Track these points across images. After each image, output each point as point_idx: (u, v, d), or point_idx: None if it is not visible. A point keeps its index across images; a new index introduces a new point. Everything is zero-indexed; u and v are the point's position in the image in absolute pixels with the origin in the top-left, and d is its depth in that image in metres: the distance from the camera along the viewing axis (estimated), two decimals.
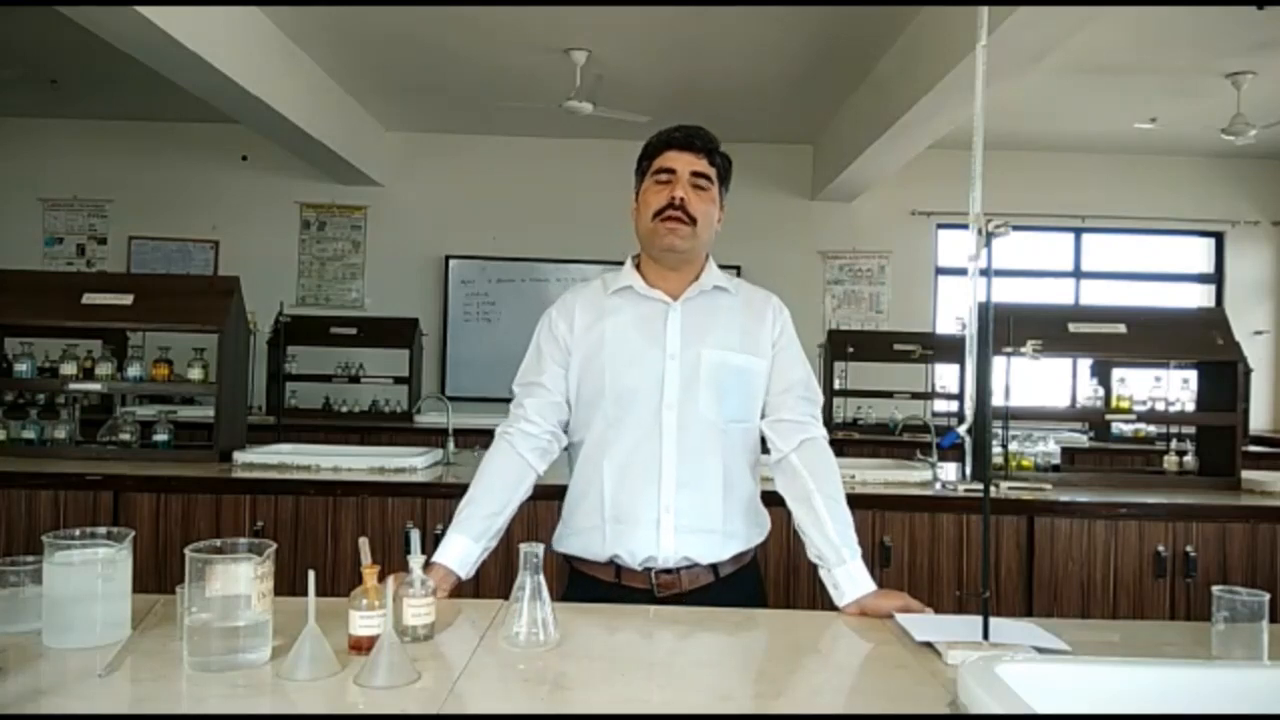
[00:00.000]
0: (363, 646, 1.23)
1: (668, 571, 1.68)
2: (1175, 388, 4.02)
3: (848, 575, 1.63)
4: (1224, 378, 3.37)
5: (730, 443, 1.74)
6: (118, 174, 7.27)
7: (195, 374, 3.39)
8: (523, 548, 1.34)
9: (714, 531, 1.70)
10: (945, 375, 6.34)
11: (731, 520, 1.73)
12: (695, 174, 1.76)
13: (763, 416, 1.79)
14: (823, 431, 1.81)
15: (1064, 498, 2.97)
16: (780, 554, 2.90)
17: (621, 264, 1.84)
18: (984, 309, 1.37)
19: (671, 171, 1.75)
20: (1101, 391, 3.98)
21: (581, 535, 1.74)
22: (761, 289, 1.89)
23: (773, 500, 1.83)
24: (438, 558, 1.64)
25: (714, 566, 1.70)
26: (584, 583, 1.74)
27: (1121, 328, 3.37)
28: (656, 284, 1.78)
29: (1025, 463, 3.39)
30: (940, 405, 6.20)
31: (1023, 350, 3.03)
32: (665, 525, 1.67)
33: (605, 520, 1.70)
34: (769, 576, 2.89)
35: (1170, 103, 6.04)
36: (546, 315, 1.83)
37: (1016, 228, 1.43)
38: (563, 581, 1.78)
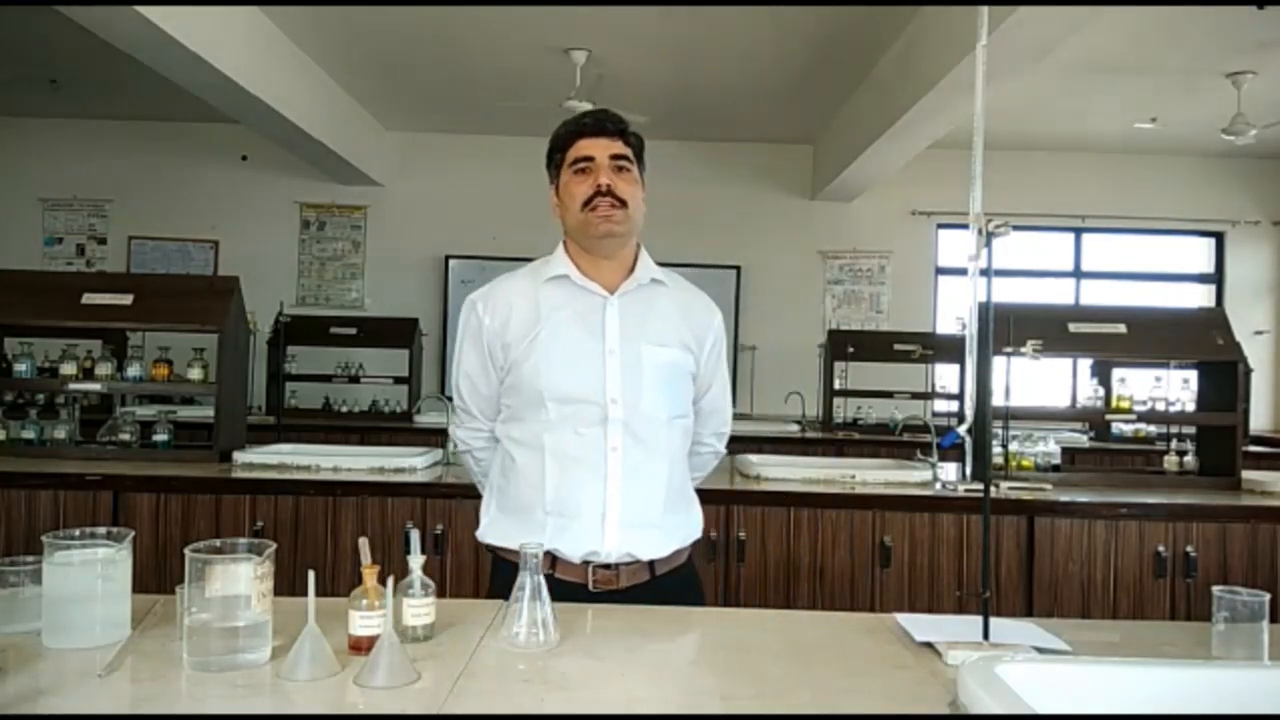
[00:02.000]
0: (363, 646, 1.22)
1: (606, 567, 1.66)
2: (1175, 388, 4.02)
3: None
4: (1224, 378, 3.37)
5: (672, 437, 1.74)
6: (118, 174, 7.27)
7: (195, 374, 3.39)
8: (523, 548, 1.34)
9: (656, 527, 1.70)
10: (945, 375, 6.34)
11: (671, 515, 1.73)
12: (614, 157, 1.72)
13: None
14: (723, 449, 1.97)
15: (1064, 498, 2.97)
16: (780, 554, 2.90)
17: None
18: (984, 309, 1.37)
19: (590, 159, 1.72)
20: (1101, 391, 3.98)
21: (516, 527, 1.70)
22: (701, 292, 1.88)
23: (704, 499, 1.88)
24: None
25: (651, 564, 1.70)
26: (512, 572, 1.69)
27: (1121, 328, 3.37)
28: (591, 275, 1.74)
29: (1025, 463, 3.39)
30: (940, 405, 6.21)
31: (1023, 350, 3.03)
32: (610, 520, 1.66)
33: (546, 514, 1.67)
34: (769, 577, 2.89)
35: (1170, 103, 6.04)
36: (472, 312, 1.77)
37: (1016, 228, 1.43)
38: (485, 572, 1.75)
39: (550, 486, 1.67)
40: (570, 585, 1.64)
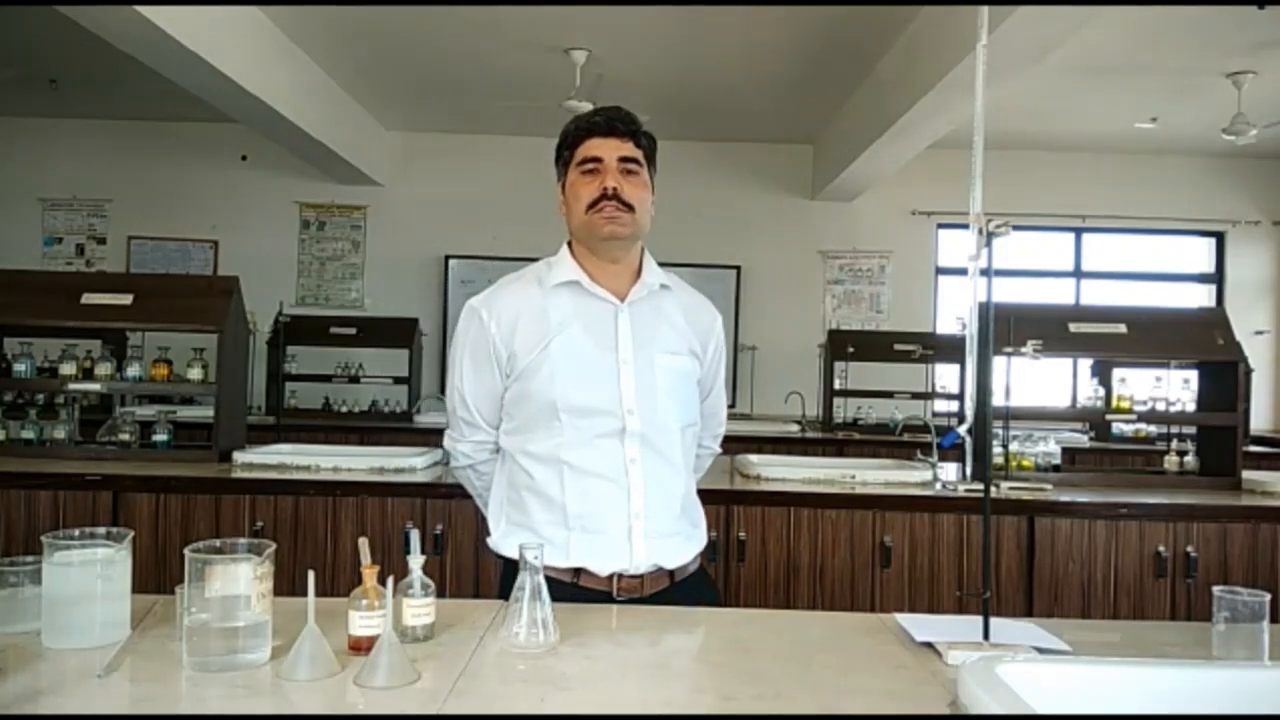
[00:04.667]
0: (362, 647, 1.22)
1: (634, 576, 1.64)
2: (1176, 388, 4.02)
3: None
4: (1224, 378, 3.37)
5: (685, 445, 1.74)
6: (117, 174, 7.26)
7: (195, 374, 3.38)
8: (522, 548, 1.34)
9: (677, 535, 1.70)
10: (945, 375, 6.34)
11: (687, 522, 1.73)
12: (623, 159, 1.67)
13: None
14: (719, 449, 1.97)
15: (1064, 498, 2.97)
16: (780, 554, 2.90)
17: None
18: (984, 309, 1.37)
19: (598, 160, 1.66)
20: (1102, 391, 3.98)
21: (536, 540, 1.64)
22: (701, 295, 1.86)
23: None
24: None
25: (671, 572, 1.68)
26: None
27: (1122, 328, 3.37)
28: (600, 280, 1.69)
29: (1025, 463, 3.39)
30: (940, 405, 6.20)
31: (1023, 350, 3.03)
32: (636, 533, 1.63)
33: (570, 530, 1.63)
34: (769, 577, 2.89)
35: (1170, 103, 6.04)
36: (475, 319, 1.70)
37: (1016, 228, 1.43)
38: (496, 575, 1.70)
39: (572, 501, 1.63)
40: (595, 594, 1.62)
